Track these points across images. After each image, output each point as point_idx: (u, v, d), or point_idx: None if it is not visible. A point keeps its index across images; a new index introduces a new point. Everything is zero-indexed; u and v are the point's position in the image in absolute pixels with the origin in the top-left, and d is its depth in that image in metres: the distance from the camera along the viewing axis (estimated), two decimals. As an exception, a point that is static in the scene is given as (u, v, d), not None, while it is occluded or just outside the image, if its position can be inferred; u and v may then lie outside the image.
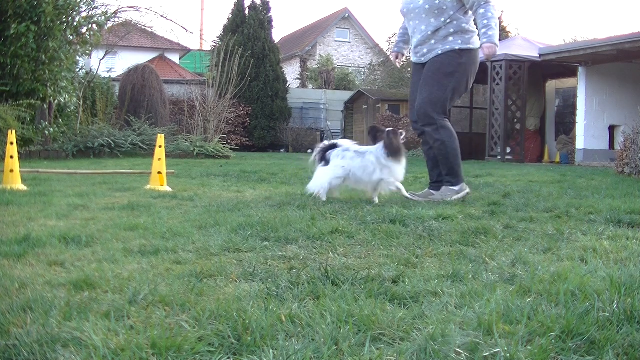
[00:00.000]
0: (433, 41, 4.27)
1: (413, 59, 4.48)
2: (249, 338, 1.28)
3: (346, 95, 23.77)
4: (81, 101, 12.61)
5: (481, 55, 4.25)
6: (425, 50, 4.33)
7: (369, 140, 4.10)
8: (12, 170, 4.63)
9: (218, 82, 13.91)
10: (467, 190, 4.27)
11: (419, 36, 4.33)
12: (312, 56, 31.53)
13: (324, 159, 4.07)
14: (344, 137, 21.73)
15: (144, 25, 15.47)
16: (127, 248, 2.27)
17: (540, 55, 12.46)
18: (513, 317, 1.44)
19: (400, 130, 4.11)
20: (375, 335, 1.34)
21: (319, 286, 1.71)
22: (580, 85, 12.33)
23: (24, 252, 2.14)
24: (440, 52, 4.24)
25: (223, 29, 20.75)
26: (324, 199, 3.98)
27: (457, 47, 4.20)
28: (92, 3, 10.62)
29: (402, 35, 4.72)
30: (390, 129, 4.08)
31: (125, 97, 14.36)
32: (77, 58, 11.19)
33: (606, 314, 1.44)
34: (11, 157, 4.66)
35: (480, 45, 4.20)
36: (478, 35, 4.24)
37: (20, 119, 8.79)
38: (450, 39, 4.21)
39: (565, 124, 13.99)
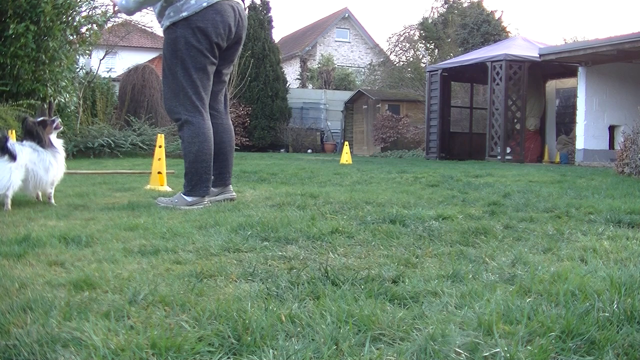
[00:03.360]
0: (161, 12, 3.59)
1: None
2: (249, 338, 1.28)
3: (346, 95, 23.78)
4: (81, 101, 12.62)
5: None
6: (161, 25, 3.63)
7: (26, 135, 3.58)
8: (12, 170, 4.62)
9: (218, 82, 13.91)
10: (204, 204, 3.57)
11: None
12: (312, 56, 31.54)
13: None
14: (344, 137, 21.79)
15: (144, 25, 15.52)
16: (127, 248, 2.27)
17: (540, 55, 12.46)
18: (513, 317, 1.44)
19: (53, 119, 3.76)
20: (375, 335, 1.34)
21: (319, 286, 1.71)
22: (580, 85, 12.33)
23: (24, 252, 2.14)
24: (164, 30, 3.60)
25: (223, 29, 20.73)
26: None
27: (168, 23, 3.53)
28: (92, 2, 10.64)
29: None
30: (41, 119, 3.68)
31: (125, 97, 14.37)
32: (77, 57, 11.20)
33: (606, 314, 1.44)
34: (11, 157, 4.65)
35: None
36: None
37: (20, 119, 8.79)
38: (166, 13, 3.53)
39: (565, 124, 14.00)
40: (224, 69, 3.82)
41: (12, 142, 3.43)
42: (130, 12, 3.70)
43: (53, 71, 9.76)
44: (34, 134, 3.59)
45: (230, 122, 3.96)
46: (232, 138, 3.91)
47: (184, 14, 3.49)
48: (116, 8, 3.67)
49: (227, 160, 3.82)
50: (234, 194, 3.99)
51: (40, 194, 3.81)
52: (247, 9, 21.20)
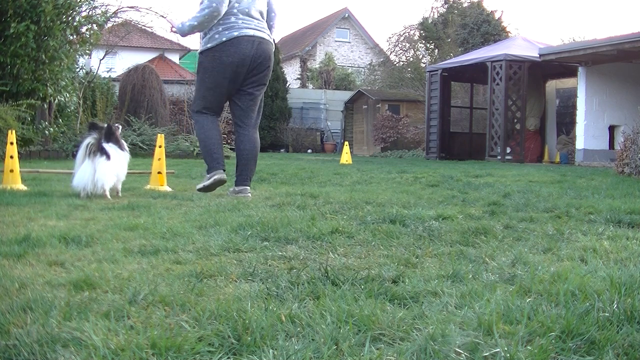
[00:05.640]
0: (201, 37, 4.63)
1: None
2: (249, 338, 1.28)
3: (346, 95, 23.76)
4: (81, 101, 12.61)
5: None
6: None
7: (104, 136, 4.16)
8: (12, 170, 4.63)
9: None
10: (217, 177, 4.39)
11: None
12: (312, 56, 31.53)
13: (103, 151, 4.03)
14: (344, 137, 21.78)
15: (144, 25, 15.47)
16: (127, 248, 2.27)
17: (540, 55, 12.46)
18: (513, 317, 1.44)
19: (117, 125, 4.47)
20: (375, 335, 1.34)
21: (319, 286, 1.71)
22: (580, 85, 12.33)
23: (24, 252, 2.14)
24: (198, 52, 4.65)
25: (223, 29, 20.74)
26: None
27: (199, 50, 4.56)
28: (92, 2, 10.63)
29: None
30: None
31: (125, 97, 14.37)
32: (77, 57, 11.19)
33: (606, 314, 1.44)
34: (11, 157, 4.66)
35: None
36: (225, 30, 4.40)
37: (20, 119, 8.78)
38: (202, 40, 4.54)
39: (566, 124, 14.00)
40: (253, 90, 4.56)
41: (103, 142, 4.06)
42: (184, 34, 4.55)
43: (53, 71, 9.75)
44: (115, 138, 4.21)
45: (257, 134, 4.64)
46: (254, 148, 4.57)
47: (209, 45, 4.42)
48: (173, 29, 4.63)
49: (246, 165, 4.50)
50: (249, 195, 4.40)
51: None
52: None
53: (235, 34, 4.36)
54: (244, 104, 4.54)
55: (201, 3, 4.38)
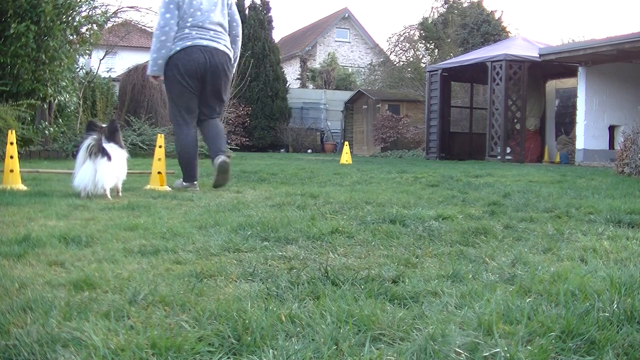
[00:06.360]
0: None
1: None
2: (249, 338, 1.28)
3: (346, 95, 23.76)
4: (81, 101, 12.61)
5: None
6: None
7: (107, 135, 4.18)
8: (12, 170, 4.62)
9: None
10: (193, 189, 4.88)
11: None
12: (312, 56, 31.52)
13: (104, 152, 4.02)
14: (344, 137, 21.78)
15: (144, 25, 15.48)
16: (127, 248, 2.27)
17: (540, 55, 12.46)
18: (513, 317, 1.44)
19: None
20: (375, 335, 1.34)
21: (319, 286, 1.71)
22: (580, 85, 12.33)
23: (24, 252, 2.14)
24: None
25: (223, 29, 20.76)
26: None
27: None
28: (92, 2, 10.63)
29: None
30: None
31: (125, 97, 14.37)
32: (77, 57, 11.19)
33: (606, 314, 1.44)
34: (11, 157, 4.65)
35: None
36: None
37: (20, 119, 8.78)
38: None
39: (565, 124, 13.99)
40: (212, 103, 4.99)
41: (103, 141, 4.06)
42: (156, 65, 4.82)
43: (53, 71, 9.75)
44: (116, 137, 4.25)
45: (217, 121, 5.11)
46: (215, 127, 5.01)
47: (169, 54, 4.82)
48: (150, 75, 4.97)
49: (213, 142, 4.92)
50: (226, 159, 4.72)
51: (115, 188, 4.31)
52: (247, 9, 21.35)
53: (188, 43, 4.77)
54: (206, 112, 4.99)
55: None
